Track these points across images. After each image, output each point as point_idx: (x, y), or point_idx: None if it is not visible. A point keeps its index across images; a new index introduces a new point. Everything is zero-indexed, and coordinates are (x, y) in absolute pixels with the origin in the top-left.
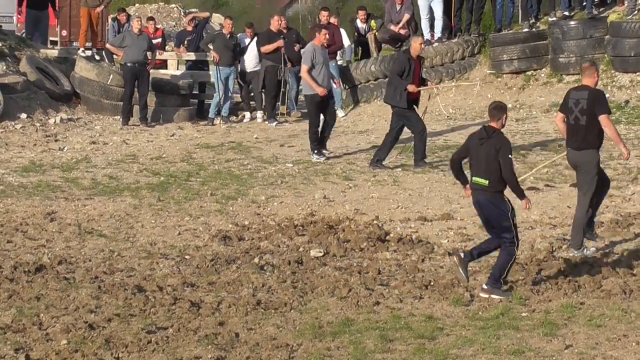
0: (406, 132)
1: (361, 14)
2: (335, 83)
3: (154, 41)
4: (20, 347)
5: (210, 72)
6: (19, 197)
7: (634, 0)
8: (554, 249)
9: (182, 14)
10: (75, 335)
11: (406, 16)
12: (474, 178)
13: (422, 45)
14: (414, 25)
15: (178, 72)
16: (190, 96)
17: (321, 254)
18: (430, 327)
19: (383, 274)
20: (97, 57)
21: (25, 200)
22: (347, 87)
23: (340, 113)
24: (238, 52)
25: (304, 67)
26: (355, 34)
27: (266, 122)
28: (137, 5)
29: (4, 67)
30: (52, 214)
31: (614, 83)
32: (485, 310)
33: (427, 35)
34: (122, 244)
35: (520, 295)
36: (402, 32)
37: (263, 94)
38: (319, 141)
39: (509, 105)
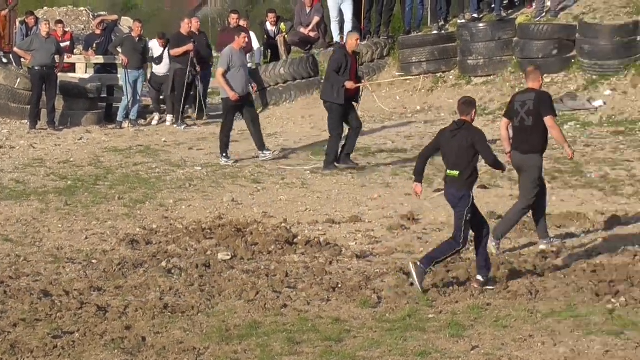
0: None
1: (271, 16)
2: (252, 87)
3: (63, 44)
4: None
5: (119, 76)
6: None
7: (541, 3)
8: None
9: (91, 17)
10: None
11: (316, 19)
12: (447, 171)
13: (358, 42)
14: (323, 27)
15: (86, 76)
16: (99, 99)
17: (229, 257)
18: (338, 330)
19: (291, 277)
20: (4, 61)
21: None
22: (256, 90)
23: None
24: (150, 57)
25: (220, 70)
26: (265, 36)
27: (175, 126)
28: (45, 8)
29: None
30: None
31: (522, 85)
32: (392, 312)
33: (336, 38)
34: (28, 249)
35: (427, 297)
36: (312, 34)
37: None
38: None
39: (417, 108)
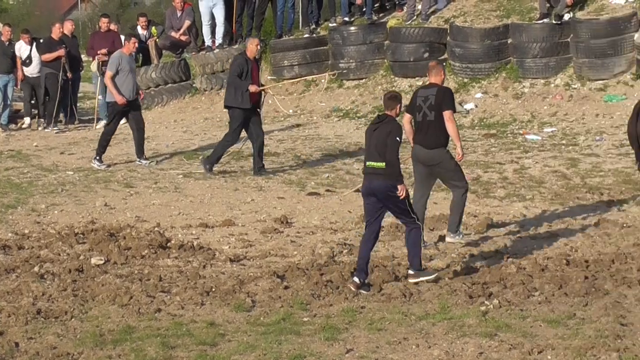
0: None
1: (142, 20)
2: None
3: None
4: None
5: None
6: None
7: (412, 6)
8: (334, 253)
9: None
10: None
11: (187, 22)
12: (368, 163)
13: (259, 47)
14: (194, 31)
15: None
16: None
17: (102, 262)
18: (212, 334)
19: (164, 281)
20: None
21: None
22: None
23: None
24: (24, 60)
25: (109, 74)
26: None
27: (46, 130)
28: None
29: None
30: None
31: (393, 88)
32: (267, 315)
33: (208, 42)
34: None
35: (302, 300)
36: (183, 38)
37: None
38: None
39: (290, 111)
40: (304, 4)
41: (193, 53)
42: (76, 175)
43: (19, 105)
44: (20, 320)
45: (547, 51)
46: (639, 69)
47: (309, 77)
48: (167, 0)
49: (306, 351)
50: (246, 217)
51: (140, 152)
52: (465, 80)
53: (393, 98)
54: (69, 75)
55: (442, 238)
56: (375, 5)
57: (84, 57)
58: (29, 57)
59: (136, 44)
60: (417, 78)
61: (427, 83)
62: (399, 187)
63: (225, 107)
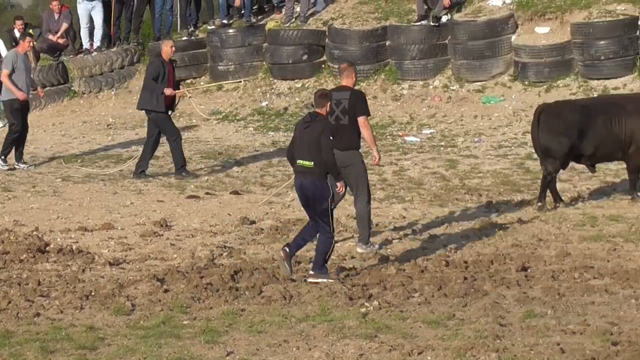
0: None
1: (18, 23)
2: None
3: None
4: None
5: None
6: None
7: (291, 8)
8: (214, 256)
9: None
10: None
11: (64, 25)
12: (298, 161)
13: (173, 48)
14: (72, 34)
15: None
16: None
17: None
18: (92, 338)
19: (43, 285)
20: None
21: None
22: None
23: None
24: None
25: (5, 72)
26: (13, 43)
27: None
28: None
29: None
30: None
31: (272, 90)
32: (147, 319)
33: (86, 45)
34: None
35: (182, 304)
36: (61, 41)
37: None
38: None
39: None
40: (182, 6)
41: (71, 56)
42: None
43: None
44: None
45: (425, 53)
46: (517, 71)
47: (224, 83)
48: (44, 3)
49: (186, 354)
50: (125, 221)
51: (19, 156)
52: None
53: (323, 96)
54: None
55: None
56: (254, 8)
57: None
58: None
59: (31, 43)
60: (296, 80)
61: (339, 85)
62: (338, 184)
63: (141, 109)
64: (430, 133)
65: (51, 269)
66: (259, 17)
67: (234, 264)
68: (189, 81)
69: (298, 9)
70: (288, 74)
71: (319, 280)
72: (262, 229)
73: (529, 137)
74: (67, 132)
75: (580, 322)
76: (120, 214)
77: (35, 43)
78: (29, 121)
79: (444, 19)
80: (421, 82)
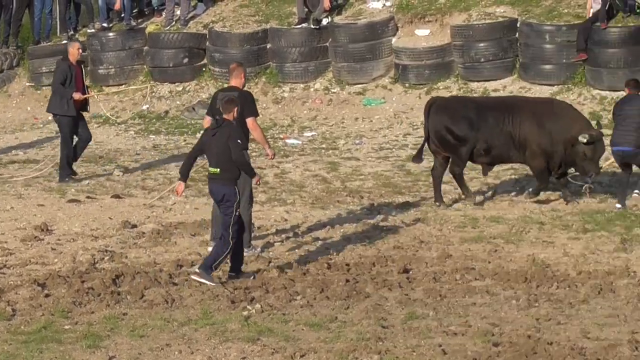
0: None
1: None
2: None
3: None
4: None
5: None
6: None
7: (171, 12)
8: (95, 260)
9: None
10: None
11: None
12: (210, 168)
13: (80, 50)
14: None
15: None
16: None
17: None
18: None
19: None
20: None
21: None
22: None
23: None
24: None
25: None
26: None
27: None
28: None
29: None
30: None
31: (153, 94)
32: (27, 324)
33: None
34: None
35: (63, 308)
36: None
37: None
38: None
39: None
40: (62, 10)
41: None
42: None
43: None
44: None
45: (306, 56)
46: (397, 73)
47: (130, 87)
48: None
49: (68, 359)
50: (5, 225)
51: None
52: (225, 85)
53: (230, 102)
54: None
55: (205, 242)
56: (134, 11)
57: None
58: None
59: None
60: (177, 83)
61: (227, 85)
62: (253, 180)
63: (50, 113)
64: (312, 135)
65: None
66: (139, 21)
67: (116, 268)
68: None
69: (178, 12)
70: (168, 77)
71: (202, 280)
72: (144, 233)
73: (409, 139)
74: None
75: (462, 324)
76: (0, 218)
77: None
78: None
79: (325, 21)
80: (302, 85)
